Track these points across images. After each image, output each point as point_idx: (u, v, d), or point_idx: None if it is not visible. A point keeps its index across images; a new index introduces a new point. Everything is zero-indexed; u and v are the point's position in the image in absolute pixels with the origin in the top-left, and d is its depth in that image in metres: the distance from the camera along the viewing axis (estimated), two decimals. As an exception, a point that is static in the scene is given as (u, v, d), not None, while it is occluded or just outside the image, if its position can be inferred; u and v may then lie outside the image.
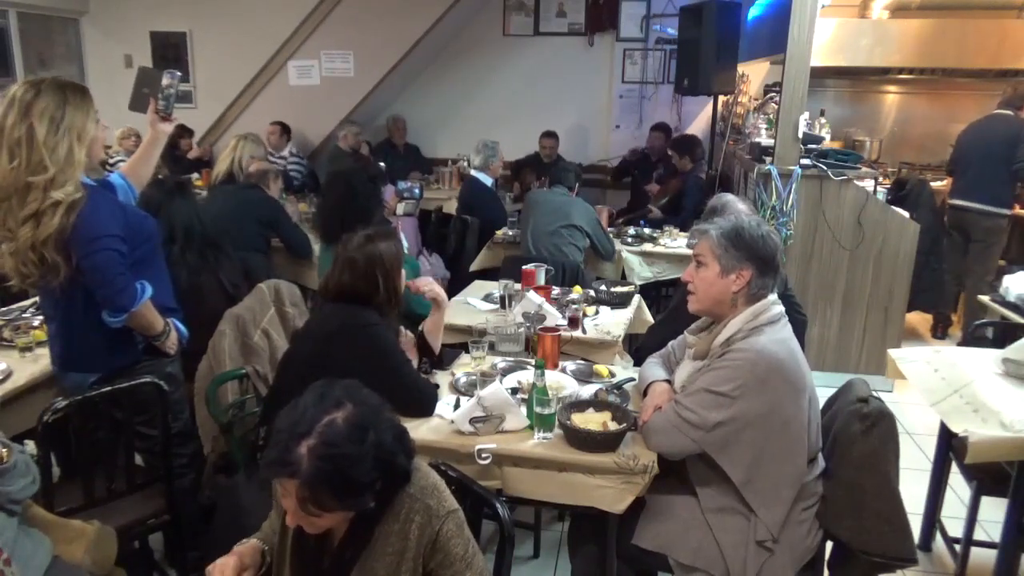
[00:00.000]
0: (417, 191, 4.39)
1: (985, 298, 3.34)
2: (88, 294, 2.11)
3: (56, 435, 2.05)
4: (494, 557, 1.62)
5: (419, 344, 2.41)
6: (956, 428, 2.09)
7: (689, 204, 5.19)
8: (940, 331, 5.15)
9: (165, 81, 2.27)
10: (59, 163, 1.99)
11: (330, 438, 1.24)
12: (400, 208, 4.00)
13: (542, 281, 3.18)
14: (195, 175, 5.84)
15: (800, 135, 4.05)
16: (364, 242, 2.13)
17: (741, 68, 5.66)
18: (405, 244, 3.98)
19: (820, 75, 5.05)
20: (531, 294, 2.94)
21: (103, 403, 2.08)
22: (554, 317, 2.85)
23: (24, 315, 2.83)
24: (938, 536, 2.82)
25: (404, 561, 1.36)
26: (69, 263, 2.05)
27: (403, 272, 2.24)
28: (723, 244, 1.92)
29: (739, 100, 6.07)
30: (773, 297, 1.93)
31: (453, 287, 4.37)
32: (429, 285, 2.39)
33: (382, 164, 4.16)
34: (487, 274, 4.14)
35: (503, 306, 3.07)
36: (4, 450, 1.63)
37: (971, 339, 2.97)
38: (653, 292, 4.58)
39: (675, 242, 4.48)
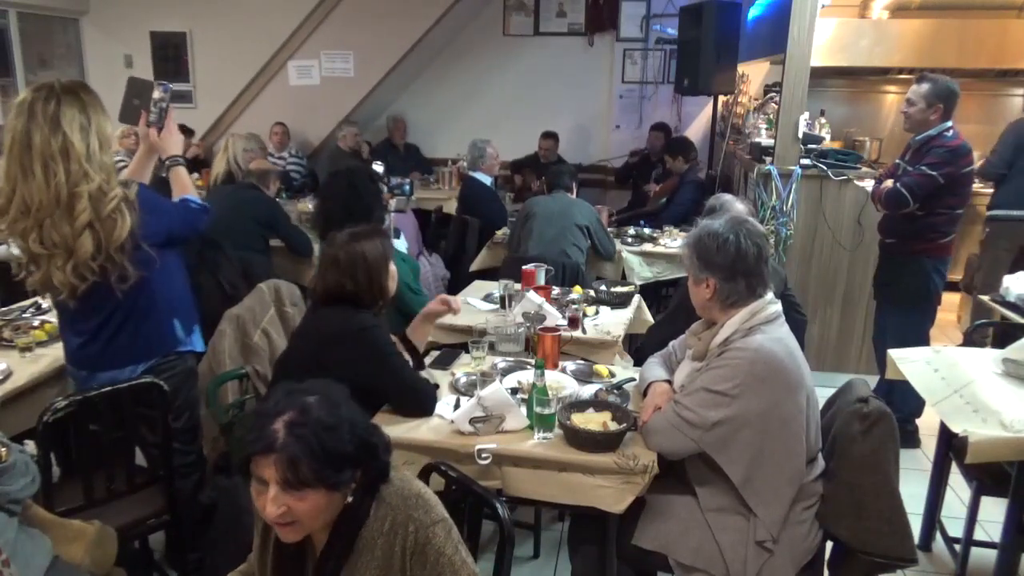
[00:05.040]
0: (408, 187, 4.37)
1: (985, 298, 3.33)
2: (142, 285, 2.10)
3: (56, 435, 2.05)
4: (494, 557, 1.62)
5: (406, 345, 2.39)
6: (956, 428, 2.10)
7: (683, 204, 5.20)
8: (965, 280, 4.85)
9: (156, 95, 2.25)
10: (100, 168, 2.00)
11: (305, 410, 1.26)
12: (392, 204, 4.00)
13: (542, 281, 3.17)
14: (195, 175, 5.83)
15: (800, 135, 4.05)
16: (348, 240, 2.13)
17: (741, 68, 5.66)
18: (405, 244, 3.98)
19: (820, 75, 5.03)
20: (531, 294, 2.94)
21: (103, 403, 2.08)
22: (554, 317, 2.85)
23: (24, 315, 2.83)
24: (938, 536, 2.82)
25: (391, 574, 1.33)
26: (134, 262, 2.04)
27: (393, 270, 2.21)
28: (688, 253, 1.94)
29: (739, 100, 6.06)
30: (770, 296, 1.93)
31: (453, 287, 4.38)
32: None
33: (379, 164, 4.14)
34: (487, 274, 4.13)
35: (503, 306, 3.06)
36: (3, 449, 1.62)
37: (971, 339, 2.97)
38: (653, 292, 4.58)
39: (675, 242, 4.47)
